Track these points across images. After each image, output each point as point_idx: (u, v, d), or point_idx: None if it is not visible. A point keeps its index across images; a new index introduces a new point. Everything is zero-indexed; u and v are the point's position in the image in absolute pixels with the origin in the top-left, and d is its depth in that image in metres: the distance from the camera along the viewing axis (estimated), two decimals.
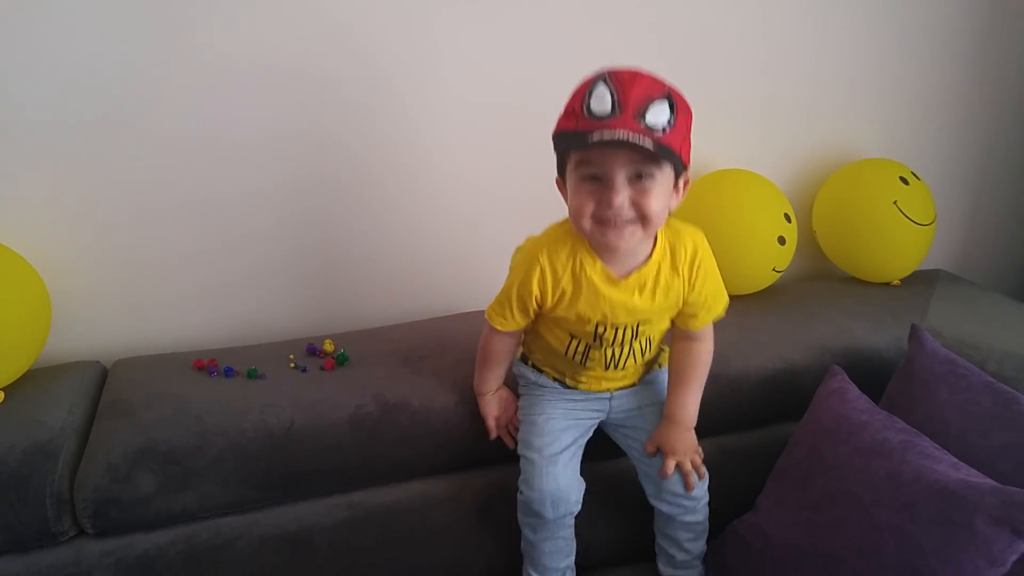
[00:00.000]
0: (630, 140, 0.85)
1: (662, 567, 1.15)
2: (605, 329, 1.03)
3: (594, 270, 0.99)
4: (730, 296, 1.50)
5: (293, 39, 1.24)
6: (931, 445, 1.03)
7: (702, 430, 1.26)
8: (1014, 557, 0.90)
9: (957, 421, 1.08)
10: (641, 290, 1.00)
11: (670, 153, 0.88)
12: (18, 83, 1.15)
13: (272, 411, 1.13)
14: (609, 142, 0.86)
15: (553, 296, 1.01)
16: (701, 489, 1.11)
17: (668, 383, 1.11)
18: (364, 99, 1.30)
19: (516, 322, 1.07)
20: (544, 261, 1.00)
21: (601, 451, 1.17)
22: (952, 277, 1.62)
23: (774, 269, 1.43)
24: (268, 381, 1.21)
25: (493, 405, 1.15)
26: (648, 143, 0.85)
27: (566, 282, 1.00)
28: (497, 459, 1.19)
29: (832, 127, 1.56)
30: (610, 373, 1.10)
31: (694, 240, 1.03)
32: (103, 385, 1.24)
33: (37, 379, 1.21)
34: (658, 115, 0.87)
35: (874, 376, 1.24)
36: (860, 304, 1.47)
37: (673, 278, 1.01)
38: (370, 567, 1.13)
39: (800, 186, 1.57)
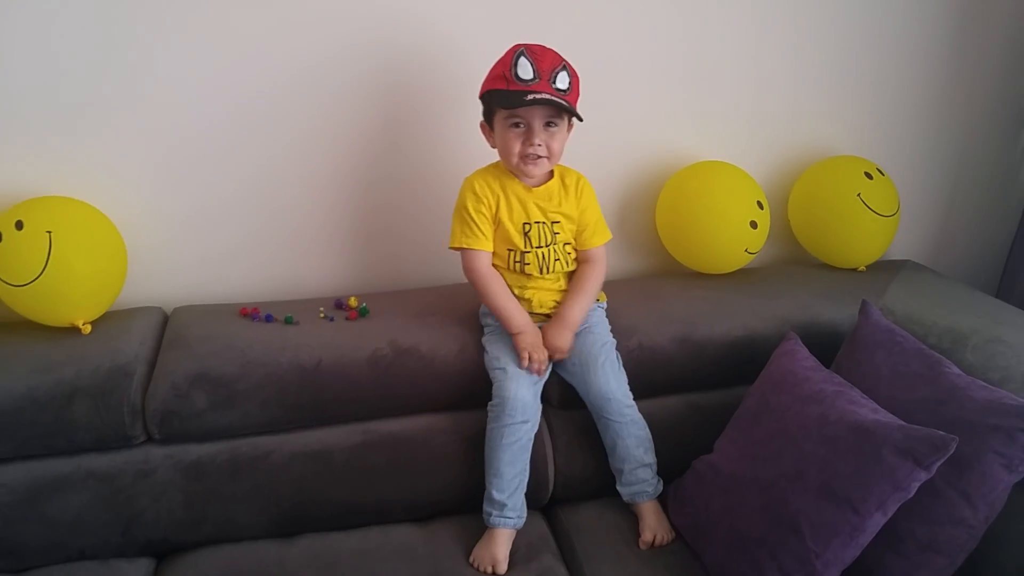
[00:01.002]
0: (553, 100, 1.24)
1: (620, 488, 1.36)
2: (530, 227, 1.36)
3: (514, 184, 1.36)
4: (705, 274, 1.71)
5: (354, 20, 1.46)
6: (860, 395, 1.20)
7: (672, 387, 1.47)
8: (916, 484, 1.06)
9: (888, 379, 1.25)
10: (549, 197, 1.37)
11: (571, 108, 1.27)
12: (106, 72, 1.40)
13: (304, 350, 1.35)
14: (539, 101, 1.23)
15: (493, 199, 1.35)
16: (622, 391, 1.34)
17: (565, 294, 1.41)
18: (416, 84, 1.52)
19: (481, 235, 1.34)
20: (477, 179, 1.37)
21: (577, 402, 1.37)
22: (918, 267, 1.77)
23: (746, 251, 1.61)
24: (301, 327, 1.43)
25: (529, 338, 1.32)
26: (564, 103, 1.24)
27: (497, 190, 1.36)
28: (488, 401, 1.39)
29: (807, 127, 1.73)
30: (546, 279, 1.39)
31: (577, 174, 1.41)
32: (165, 326, 1.47)
33: (115, 318, 1.45)
34: (563, 81, 1.26)
35: (829, 347, 1.39)
36: (825, 286, 1.63)
37: (564, 193, 1.39)
38: (380, 482, 1.34)
39: (778, 179, 1.74)
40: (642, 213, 1.70)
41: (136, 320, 1.46)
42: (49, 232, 1.32)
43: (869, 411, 1.14)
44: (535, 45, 1.28)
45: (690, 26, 1.60)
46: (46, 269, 1.31)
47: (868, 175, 1.63)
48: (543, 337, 1.34)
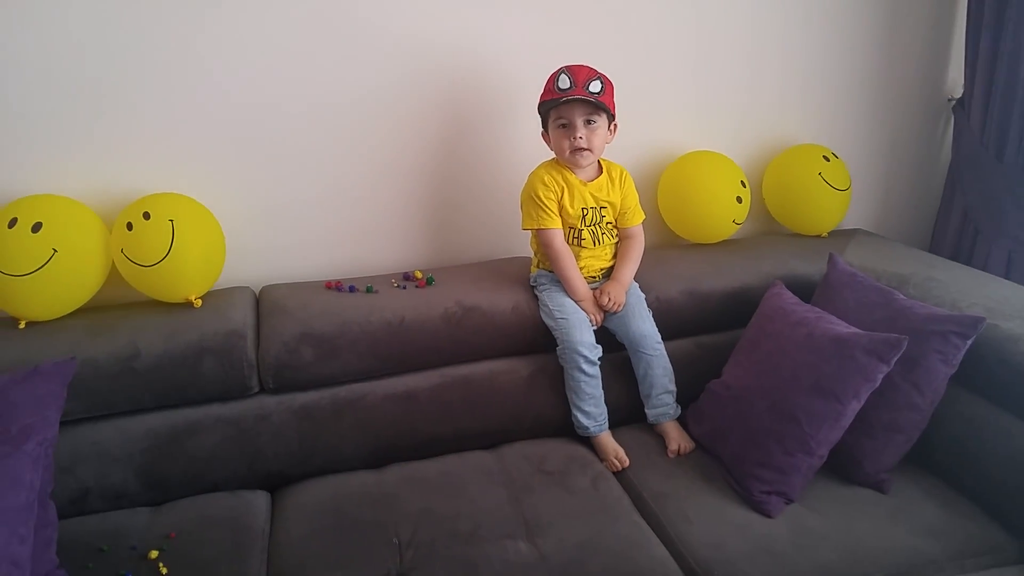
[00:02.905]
0: (583, 97, 1.58)
1: (648, 411, 1.68)
2: (587, 212, 1.69)
3: (573, 177, 1.70)
4: (700, 243, 2.07)
5: (421, 48, 1.77)
6: (834, 318, 1.55)
7: (685, 332, 1.79)
8: (880, 375, 1.41)
9: (853, 308, 1.60)
10: (599, 188, 1.72)
11: (604, 106, 1.61)
12: (211, 91, 1.68)
13: (388, 311, 1.63)
14: (572, 99, 1.59)
15: (558, 189, 1.68)
16: (654, 331, 1.68)
17: (617, 261, 1.76)
18: (470, 100, 1.83)
19: (554, 215, 1.67)
20: (543, 172, 1.71)
21: (611, 348, 1.69)
22: (868, 233, 2.15)
23: (734, 221, 1.96)
24: (380, 295, 1.71)
25: (591, 304, 1.67)
26: (593, 100, 1.59)
27: (560, 182, 1.69)
28: (539, 349, 1.70)
29: (777, 120, 2.10)
30: (596, 250, 1.73)
31: (620, 168, 1.77)
32: (257, 301, 1.73)
33: (216, 295, 1.70)
34: (596, 86, 1.61)
35: (805, 293, 1.74)
36: (797, 249, 1.99)
37: (611, 185, 1.73)
38: (456, 416, 1.64)
39: (755, 164, 2.11)
40: (647, 196, 2.03)
41: (234, 296, 1.72)
42: (171, 221, 1.58)
43: (843, 328, 1.50)
44: (575, 64, 1.63)
45: (684, 44, 1.97)
46: (170, 252, 1.57)
47: (826, 158, 2.02)
48: (604, 294, 1.67)
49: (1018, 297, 1.62)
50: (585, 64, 1.63)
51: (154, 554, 1.31)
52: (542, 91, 1.66)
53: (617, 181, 1.74)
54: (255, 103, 1.72)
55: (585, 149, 1.63)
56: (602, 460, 1.61)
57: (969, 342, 1.44)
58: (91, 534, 1.36)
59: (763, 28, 2.02)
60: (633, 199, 1.76)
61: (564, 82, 1.61)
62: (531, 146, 1.75)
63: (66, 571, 1.24)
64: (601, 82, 1.61)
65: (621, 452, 1.61)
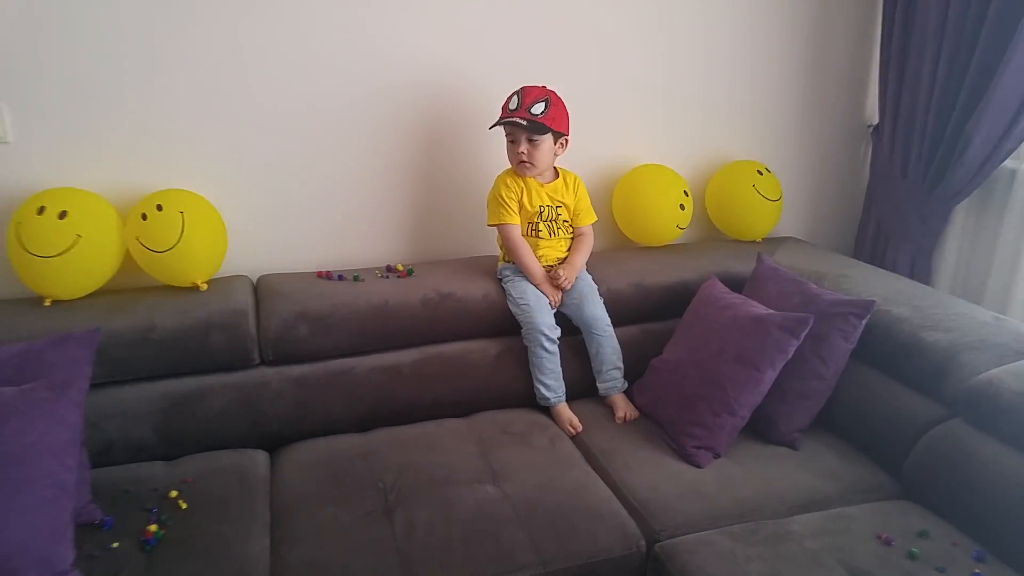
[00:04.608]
0: (518, 121, 1.84)
1: (599, 385, 1.94)
2: (543, 210, 1.94)
3: (532, 180, 1.96)
4: (646, 246, 2.35)
5: (406, 61, 2.02)
6: (757, 304, 1.82)
7: (632, 319, 2.05)
8: (792, 348, 1.68)
9: (774, 296, 1.88)
10: (555, 190, 1.99)
11: (542, 127, 1.85)
12: (216, 99, 1.91)
13: (374, 296, 1.86)
14: (511, 122, 1.85)
15: (518, 190, 1.94)
16: (604, 315, 1.93)
17: (570, 252, 2.01)
18: (448, 110, 2.09)
19: (513, 213, 1.93)
20: (507, 176, 1.98)
21: (567, 332, 1.94)
22: (797, 240, 2.46)
23: (678, 226, 2.25)
24: (366, 283, 1.94)
25: (547, 285, 1.93)
26: (525, 122, 1.83)
27: (521, 184, 1.95)
28: (505, 332, 1.95)
29: (716, 138, 2.40)
30: (552, 241, 1.98)
31: (575, 176, 2.04)
32: (255, 287, 1.95)
33: (218, 282, 1.91)
34: (538, 108, 1.85)
35: (737, 286, 2.02)
36: (733, 251, 2.27)
37: (566, 188, 2.01)
38: (432, 386, 1.87)
39: (698, 177, 2.40)
40: (602, 203, 2.30)
41: (234, 283, 1.93)
42: (182, 212, 1.80)
43: (763, 310, 1.77)
44: (530, 86, 1.89)
45: (641, 71, 2.27)
46: (180, 240, 1.78)
47: (760, 172, 2.32)
48: (557, 272, 1.92)
49: (910, 290, 1.93)
50: (541, 86, 1.90)
51: (174, 494, 1.51)
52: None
53: (571, 186, 2.01)
54: (255, 114, 1.96)
55: (527, 162, 1.89)
56: (559, 426, 1.85)
57: (864, 322, 1.72)
58: (116, 480, 1.55)
59: (708, 59, 2.33)
60: (585, 202, 2.03)
61: (513, 103, 1.88)
62: (500, 156, 2.01)
63: (98, 507, 1.45)
64: (546, 104, 1.85)
65: (575, 420, 1.85)
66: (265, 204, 2.03)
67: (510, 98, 1.89)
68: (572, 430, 1.83)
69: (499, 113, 1.91)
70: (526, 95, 1.87)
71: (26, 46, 1.73)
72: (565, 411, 1.88)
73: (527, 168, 1.91)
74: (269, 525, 1.49)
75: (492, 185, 1.99)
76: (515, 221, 1.95)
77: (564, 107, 1.91)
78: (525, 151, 1.88)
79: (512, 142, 1.91)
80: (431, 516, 1.48)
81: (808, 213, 2.63)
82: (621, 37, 2.22)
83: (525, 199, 1.95)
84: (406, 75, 2.04)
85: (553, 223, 1.97)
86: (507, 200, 1.93)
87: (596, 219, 2.06)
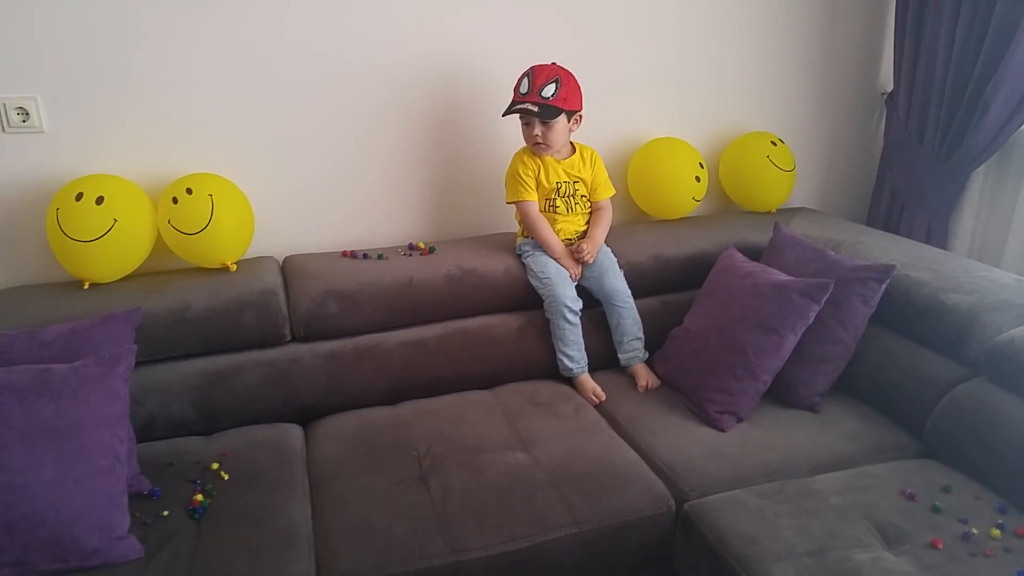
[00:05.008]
0: (530, 108, 1.86)
1: (620, 356, 1.97)
2: (560, 186, 1.97)
3: (548, 157, 1.98)
4: (663, 219, 2.37)
5: (417, 43, 2.04)
6: (777, 271, 1.85)
7: (651, 291, 2.08)
8: (813, 313, 1.71)
9: (792, 264, 1.91)
10: (572, 165, 2.00)
11: (554, 110, 1.87)
12: (239, 90, 1.94)
13: (398, 273, 1.90)
14: (516, 110, 1.88)
15: (535, 167, 1.95)
16: (625, 287, 1.97)
17: (589, 227, 2.04)
18: (459, 86, 2.12)
19: (531, 190, 1.95)
20: (523, 154, 2.00)
21: (588, 305, 1.97)
22: (810, 210, 2.48)
23: (693, 198, 2.27)
24: (390, 261, 1.98)
25: (568, 259, 1.96)
26: (537, 108, 1.85)
27: (537, 161, 1.97)
28: (527, 306, 1.99)
29: (731, 111, 2.42)
30: (570, 216, 2.01)
31: (592, 150, 2.05)
32: (282, 268, 1.99)
33: (247, 263, 1.96)
34: (549, 91, 1.86)
35: (754, 256, 2.04)
36: (749, 222, 2.30)
37: (583, 163, 2.02)
38: (457, 359, 1.92)
39: (712, 150, 2.42)
40: (618, 177, 2.33)
41: (262, 263, 1.98)
42: (211, 195, 1.84)
43: (783, 277, 1.80)
44: (540, 65, 1.90)
45: (655, 46, 2.28)
46: (210, 222, 1.82)
47: (773, 143, 2.33)
48: (580, 248, 1.95)
49: (929, 255, 1.95)
50: (551, 64, 1.90)
51: (215, 466, 1.56)
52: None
53: (588, 160, 2.03)
54: (281, 99, 1.99)
55: (542, 144, 1.92)
56: (583, 396, 1.89)
57: (883, 286, 1.75)
58: (159, 454, 1.61)
59: (721, 30, 2.34)
60: (603, 176, 2.05)
61: (524, 86, 1.89)
62: (517, 134, 2.03)
63: (146, 478, 1.51)
64: (556, 84, 1.87)
65: (598, 389, 1.89)
66: (290, 188, 2.07)
67: (521, 80, 1.90)
68: (596, 399, 1.87)
69: (512, 95, 1.92)
70: (536, 76, 1.88)
71: (58, 38, 1.77)
72: (588, 381, 1.92)
73: (543, 149, 1.94)
74: (309, 493, 1.55)
75: (510, 163, 2.01)
76: (532, 198, 1.97)
77: (576, 84, 1.93)
78: (539, 133, 1.90)
79: (526, 124, 1.93)
80: (465, 481, 1.53)
81: (821, 183, 2.64)
82: (635, 11, 2.23)
83: (542, 176, 1.97)
84: (424, 56, 2.06)
85: (571, 198, 2.00)
86: (524, 178, 1.96)
87: (614, 192, 2.08)
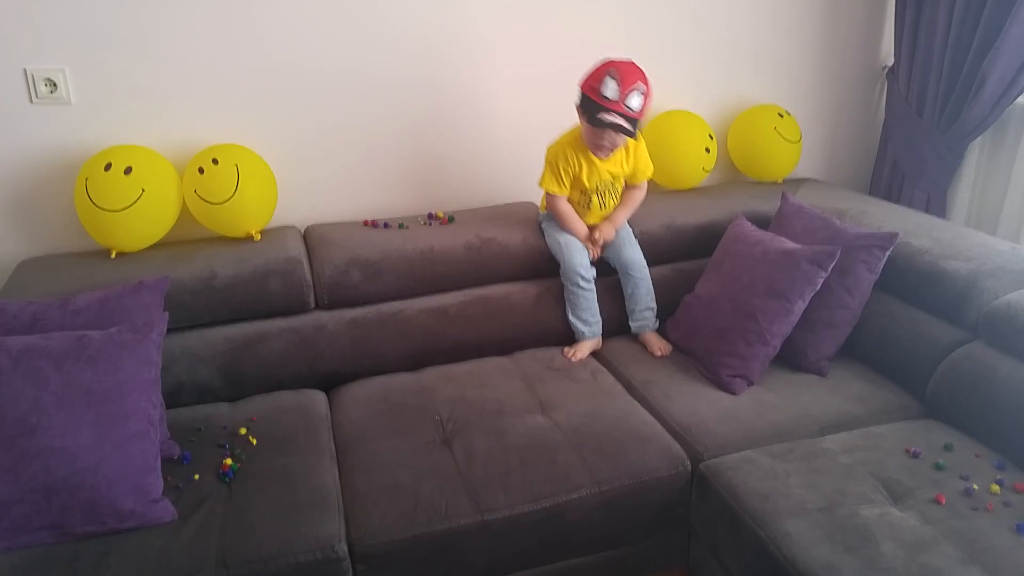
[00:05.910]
0: (623, 127, 1.78)
1: (632, 323, 2.04)
2: (598, 186, 1.95)
3: (592, 157, 1.93)
4: (674, 189, 2.42)
5: (440, 11, 2.07)
6: (785, 239, 1.91)
7: (665, 259, 2.14)
8: (820, 280, 1.77)
9: (800, 232, 1.96)
10: (614, 163, 1.97)
11: (638, 127, 1.82)
12: (264, 65, 1.96)
13: (419, 242, 1.95)
14: (608, 125, 1.77)
15: (577, 166, 1.92)
16: (640, 256, 2.01)
17: (618, 205, 2.05)
18: (458, 59, 2.14)
19: (564, 188, 1.96)
20: (568, 151, 1.94)
21: (603, 274, 2.03)
22: (815, 180, 2.53)
23: (703, 168, 2.32)
24: (411, 230, 2.03)
25: (589, 244, 2.00)
26: (630, 128, 1.79)
27: (582, 160, 1.93)
28: (545, 274, 2.04)
29: (738, 84, 2.46)
30: (601, 211, 2.04)
31: (633, 140, 1.95)
32: (305, 237, 2.03)
33: (271, 232, 2.00)
34: (636, 102, 1.77)
35: (762, 224, 2.10)
36: (757, 192, 2.35)
37: (625, 155, 1.97)
38: (477, 326, 1.97)
39: (721, 121, 2.46)
40: None
41: (285, 232, 2.02)
42: (236, 165, 1.87)
43: (791, 245, 1.86)
44: (622, 63, 1.76)
45: (668, 21, 2.31)
46: (236, 192, 1.86)
47: (780, 115, 2.38)
48: (596, 230, 1.99)
49: (929, 223, 2.01)
50: (631, 63, 1.77)
51: (243, 431, 1.62)
52: (589, 77, 1.79)
53: (631, 150, 1.97)
54: (303, 75, 2.02)
55: (607, 149, 1.87)
56: (564, 351, 1.97)
57: (887, 253, 1.81)
58: (188, 419, 1.66)
59: (731, 7, 2.37)
60: (643, 162, 1.99)
61: (609, 88, 1.73)
62: (534, 108, 2.07)
63: (176, 443, 1.56)
64: (642, 96, 1.76)
65: (580, 355, 1.96)
66: (310, 156, 2.10)
67: (603, 79, 1.72)
68: (572, 357, 1.94)
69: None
70: (623, 80, 1.71)
71: (85, 10, 1.78)
72: (588, 346, 1.98)
73: (603, 153, 1.89)
74: (335, 457, 1.60)
75: (556, 143, 1.95)
76: (564, 194, 1.97)
77: (650, 89, 1.80)
78: (609, 143, 1.84)
79: (598, 127, 1.79)
80: (488, 444, 1.60)
81: (825, 154, 2.70)
82: None
83: (584, 175, 1.93)
84: (445, 28, 2.08)
85: (606, 194, 2.00)
86: (563, 173, 1.93)
87: (651, 174, 2.04)
